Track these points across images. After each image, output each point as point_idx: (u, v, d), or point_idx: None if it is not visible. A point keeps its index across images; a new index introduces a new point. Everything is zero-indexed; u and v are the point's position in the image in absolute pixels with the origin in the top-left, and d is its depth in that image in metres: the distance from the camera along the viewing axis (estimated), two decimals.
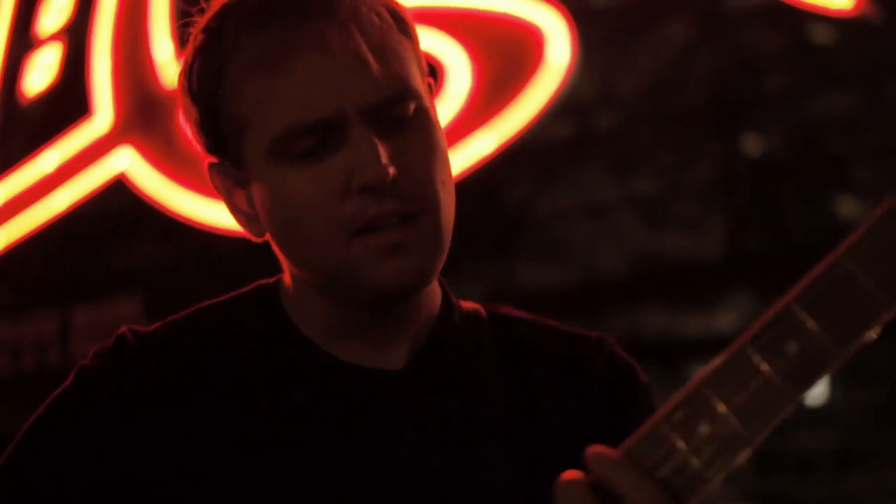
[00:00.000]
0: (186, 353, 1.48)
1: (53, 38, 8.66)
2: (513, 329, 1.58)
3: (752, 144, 7.66)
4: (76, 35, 8.44)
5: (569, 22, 6.52)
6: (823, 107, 7.32)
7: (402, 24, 1.46)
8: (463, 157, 6.07)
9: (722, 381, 1.10)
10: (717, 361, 1.11)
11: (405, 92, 1.41)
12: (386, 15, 1.44)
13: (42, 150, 8.37)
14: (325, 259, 1.42)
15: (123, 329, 1.52)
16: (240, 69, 1.42)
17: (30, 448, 1.45)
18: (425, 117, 1.44)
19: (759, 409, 1.07)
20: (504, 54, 6.04)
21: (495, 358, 1.52)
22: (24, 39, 8.78)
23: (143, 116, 7.94)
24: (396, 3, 1.48)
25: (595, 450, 1.07)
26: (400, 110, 1.41)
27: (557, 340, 1.58)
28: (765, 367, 1.07)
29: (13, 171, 8.52)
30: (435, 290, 1.53)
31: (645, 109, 7.61)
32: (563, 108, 6.83)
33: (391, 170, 1.38)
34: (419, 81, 1.45)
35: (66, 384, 1.51)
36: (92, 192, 8.22)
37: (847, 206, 7.45)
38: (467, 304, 1.57)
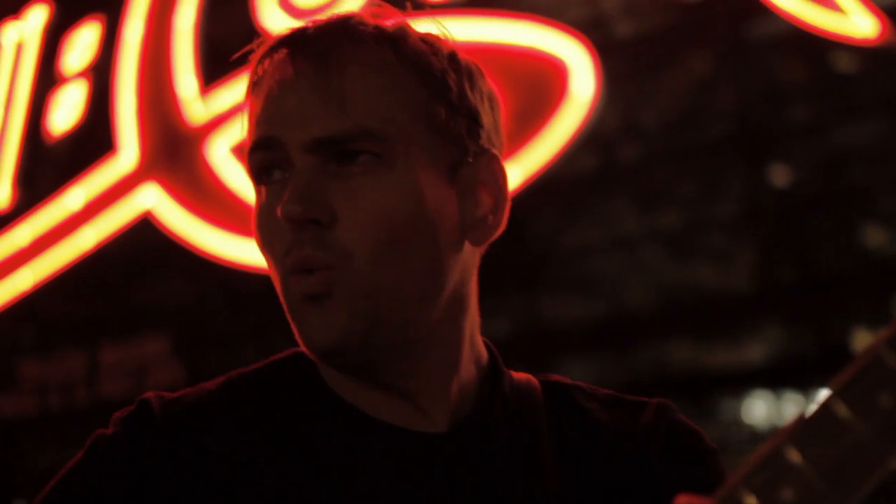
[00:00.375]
0: (216, 422, 1.38)
1: (79, 76, 8.71)
2: (567, 397, 1.48)
3: (778, 175, 7.63)
4: (101, 73, 8.49)
5: (593, 55, 6.53)
6: (848, 136, 7.30)
7: (427, 78, 1.38)
8: None
9: (805, 439, 0.97)
10: (799, 417, 0.98)
11: (365, 134, 1.31)
12: (392, 59, 1.35)
13: (67, 187, 8.40)
14: (281, 294, 1.38)
15: (148, 394, 1.40)
16: (249, 92, 1.41)
17: None
18: (385, 169, 1.32)
19: (850, 469, 0.95)
20: (529, 87, 6.03)
21: (548, 427, 1.44)
22: (49, 78, 8.84)
23: (168, 153, 7.97)
24: (434, 61, 1.39)
25: (685, 499, 1.01)
26: (355, 148, 1.31)
27: (614, 408, 1.48)
28: (854, 422, 0.96)
29: (39, 209, 8.55)
30: (479, 355, 1.45)
31: (670, 141, 7.60)
32: (587, 140, 6.82)
33: (298, 209, 1.29)
34: (400, 130, 1.33)
35: (81, 454, 1.42)
36: (118, 230, 8.25)
37: (874, 235, 7.41)
38: (519, 375, 1.49)
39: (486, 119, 1.40)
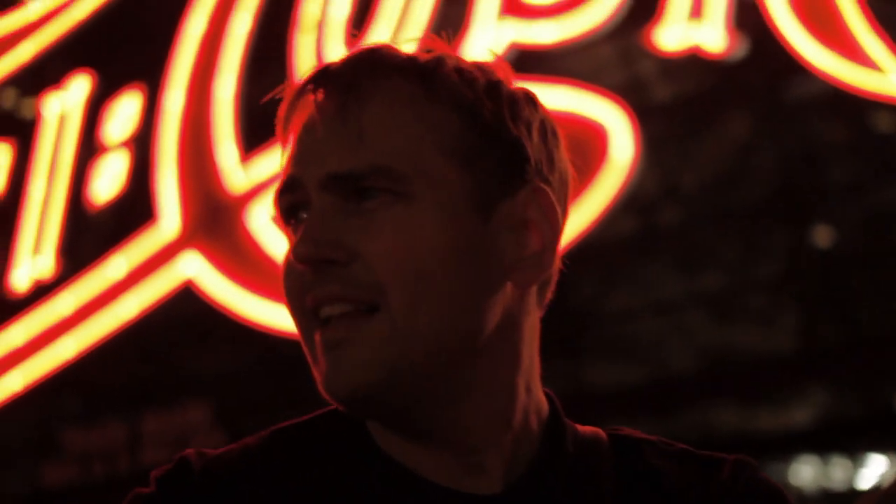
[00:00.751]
0: (257, 479, 1.32)
1: (121, 145, 8.78)
2: (637, 454, 1.38)
3: (821, 236, 7.59)
4: (142, 142, 8.56)
5: (631, 119, 6.53)
6: (890, 195, 7.25)
7: (458, 110, 1.28)
8: None
9: None
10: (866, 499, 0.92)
11: (380, 172, 1.25)
12: (419, 92, 1.28)
13: (109, 256, 8.45)
14: (303, 341, 1.33)
15: (188, 451, 1.34)
16: (280, 136, 1.38)
17: None
18: (404, 205, 1.26)
19: None
20: (568, 152, 5.97)
21: (615, 486, 1.35)
22: (90, 147, 8.91)
23: (209, 221, 8.00)
24: (467, 91, 1.29)
25: None
26: (370, 186, 1.26)
27: (688, 465, 1.39)
28: None
29: (82, 277, 8.60)
30: (539, 406, 1.36)
31: (710, 204, 7.57)
32: (627, 204, 6.80)
33: (308, 250, 1.24)
34: (422, 166, 1.26)
35: None
36: (161, 299, 8.27)
37: None
38: (585, 429, 1.40)
39: (532, 150, 1.31)
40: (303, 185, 1.28)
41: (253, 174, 7.81)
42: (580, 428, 1.39)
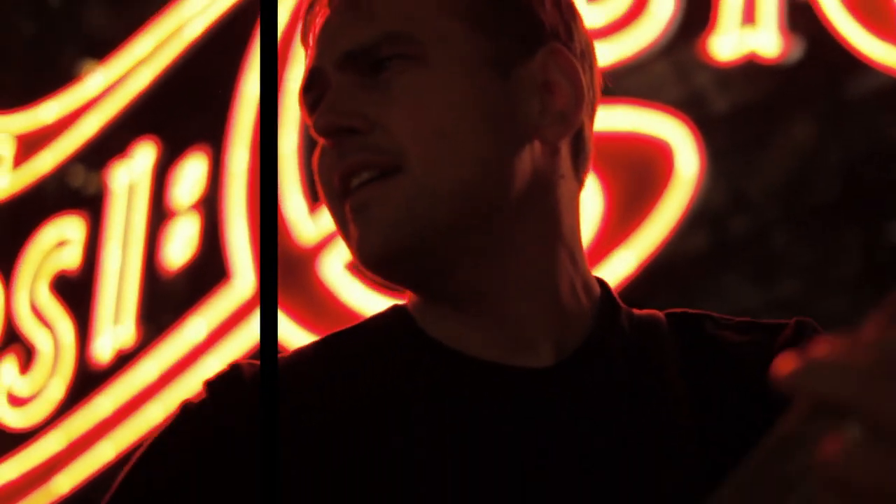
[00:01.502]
0: (310, 383, 1.31)
1: (190, 209, 8.87)
2: (696, 328, 1.36)
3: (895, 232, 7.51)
4: (210, 204, 8.64)
5: (694, 132, 6.51)
6: None
7: None
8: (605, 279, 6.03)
9: None
10: None
11: (391, 37, 1.26)
12: None
13: (187, 318, 8.52)
14: (334, 217, 1.33)
15: (240, 359, 1.35)
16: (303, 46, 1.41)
17: (123, 495, 1.28)
18: (420, 69, 1.26)
19: None
20: (633, 171, 6.04)
21: (675, 362, 1.31)
22: (160, 213, 9.01)
23: (283, 276, 8.05)
24: None
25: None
26: (384, 55, 1.26)
27: (750, 333, 1.35)
28: None
29: (162, 342, 8.67)
30: (589, 285, 1.34)
31: (781, 210, 7.52)
32: (697, 218, 6.77)
33: (327, 119, 1.26)
34: (434, 31, 1.27)
35: (167, 422, 1.33)
36: (242, 358, 8.33)
37: None
38: (642, 311, 1.38)
39: (546, 16, 1.33)
40: (323, 73, 1.31)
41: (322, 224, 7.85)
42: (635, 310, 1.38)
